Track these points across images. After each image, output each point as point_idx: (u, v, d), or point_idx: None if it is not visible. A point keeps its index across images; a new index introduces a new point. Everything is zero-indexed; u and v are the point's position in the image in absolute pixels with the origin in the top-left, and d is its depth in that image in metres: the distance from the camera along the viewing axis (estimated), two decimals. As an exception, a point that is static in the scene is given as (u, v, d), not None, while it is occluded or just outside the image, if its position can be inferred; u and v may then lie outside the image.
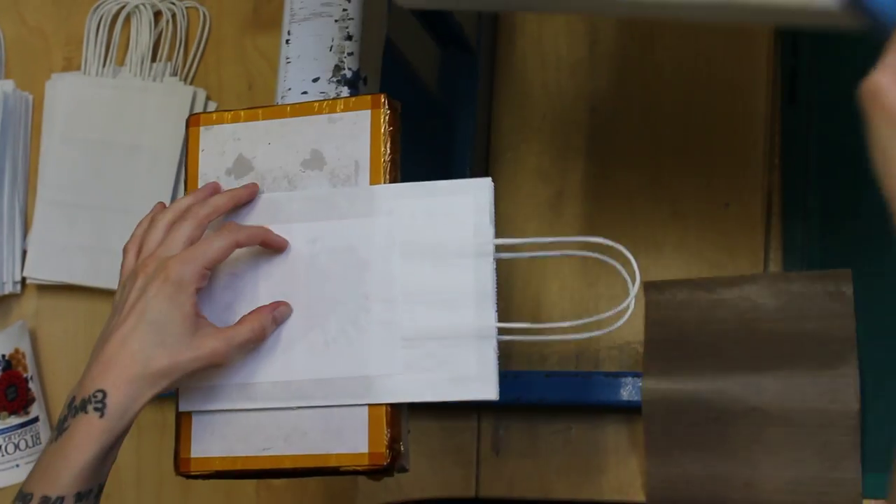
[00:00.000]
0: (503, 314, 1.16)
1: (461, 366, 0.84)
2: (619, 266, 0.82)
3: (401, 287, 0.86)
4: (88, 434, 0.83)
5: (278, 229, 0.89)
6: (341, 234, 0.88)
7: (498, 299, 0.84)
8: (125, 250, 0.90)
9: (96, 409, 0.83)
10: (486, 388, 0.84)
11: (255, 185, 0.90)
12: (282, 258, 0.89)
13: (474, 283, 0.85)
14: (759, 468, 1.05)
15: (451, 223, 0.86)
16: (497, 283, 0.85)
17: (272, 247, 0.88)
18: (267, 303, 0.88)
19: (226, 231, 0.86)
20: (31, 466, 1.26)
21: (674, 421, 1.07)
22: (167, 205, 0.91)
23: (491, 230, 0.85)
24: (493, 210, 0.85)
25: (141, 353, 0.84)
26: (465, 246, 0.85)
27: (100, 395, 0.83)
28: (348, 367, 0.86)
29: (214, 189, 0.91)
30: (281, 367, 0.87)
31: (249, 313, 0.87)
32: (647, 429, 1.07)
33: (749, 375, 1.06)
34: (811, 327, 1.07)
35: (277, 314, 0.87)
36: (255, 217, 0.90)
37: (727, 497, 1.05)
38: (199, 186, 0.92)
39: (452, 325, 0.85)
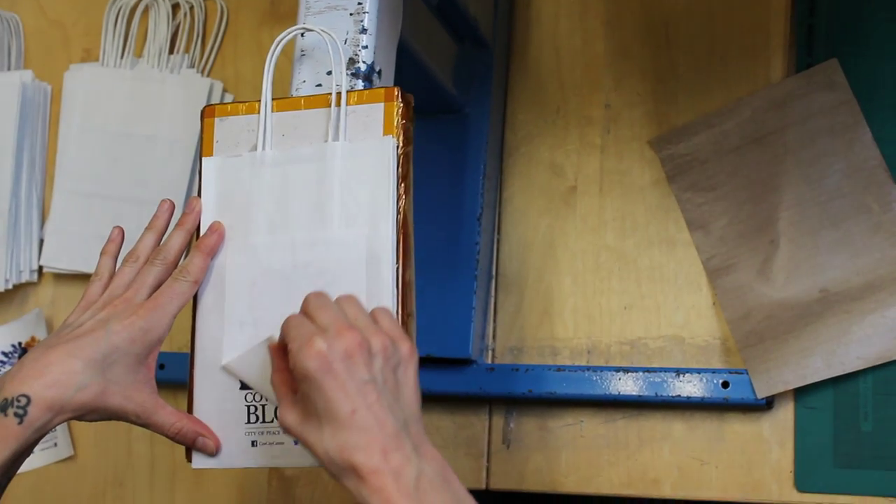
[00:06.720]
0: (516, 306, 1.17)
1: None
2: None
3: None
4: (4, 438, 0.82)
5: None
6: None
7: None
8: (91, 282, 0.91)
9: (16, 416, 0.82)
10: None
11: (219, 227, 0.90)
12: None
13: None
14: (826, 271, 1.05)
15: None
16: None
17: (216, 249, 0.89)
18: None
19: (183, 275, 0.88)
20: (45, 454, 1.28)
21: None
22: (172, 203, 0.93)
23: None
24: None
25: (78, 375, 0.83)
26: None
27: (23, 401, 0.82)
28: None
29: (170, 209, 0.93)
30: None
31: (185, 417, 0.87)
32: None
33: (781, 190, 1.07)
34: (819, 124, 1.08)
35: (199, 444, 0.87)
36: None
37: (807, 311, 1.05)
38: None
39: None
